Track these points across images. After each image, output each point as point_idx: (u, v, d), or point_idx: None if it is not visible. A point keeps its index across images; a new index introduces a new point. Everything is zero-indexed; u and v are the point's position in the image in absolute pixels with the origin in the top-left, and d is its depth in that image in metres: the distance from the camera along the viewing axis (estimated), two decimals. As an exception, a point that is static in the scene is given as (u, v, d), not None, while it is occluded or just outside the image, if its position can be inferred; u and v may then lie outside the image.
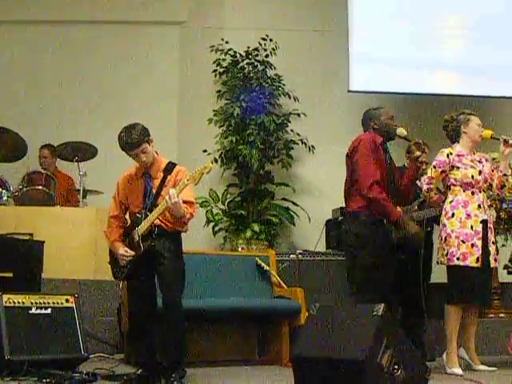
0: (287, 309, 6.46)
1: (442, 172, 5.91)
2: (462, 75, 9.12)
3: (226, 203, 8.72)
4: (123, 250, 5.22)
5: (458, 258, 5.77)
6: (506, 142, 5.89)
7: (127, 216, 5.43)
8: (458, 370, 5.73)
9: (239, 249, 8.15)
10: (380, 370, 4.13)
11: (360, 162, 5.64)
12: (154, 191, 5.23)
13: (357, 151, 5.67)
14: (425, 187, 5.94)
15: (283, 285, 6.75)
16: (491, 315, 7.50)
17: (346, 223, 5.82)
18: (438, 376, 5.25)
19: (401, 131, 5.75)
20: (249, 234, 8.31)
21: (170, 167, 5.31)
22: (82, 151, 8.33)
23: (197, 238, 7.96)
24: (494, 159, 7.38)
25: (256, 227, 8.36)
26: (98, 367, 5.57)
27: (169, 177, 5.24)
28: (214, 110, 8.91)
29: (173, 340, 5.11)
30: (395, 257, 5.87)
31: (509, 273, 7.49)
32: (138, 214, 5.20)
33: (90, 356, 5.72)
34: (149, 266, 5.17)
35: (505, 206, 7.04)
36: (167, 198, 4.96)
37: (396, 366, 4.23)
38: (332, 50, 9.29)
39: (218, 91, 9.08)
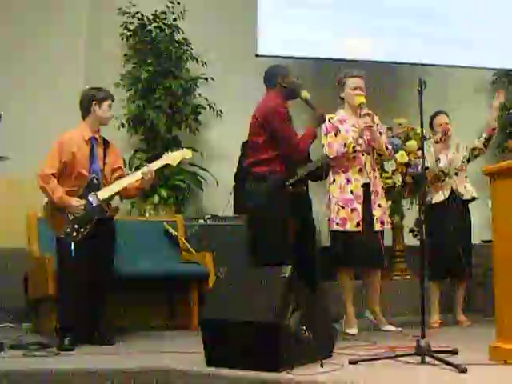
0: (195, 273, 6.49)
1: (335, 134, 5.98)
2: (372, 41, 9.14)
3: (133, 168, 8.63)
4: (76, 201, 5.33)
5: (337, 224, 5.93)
6: (368, 114, 5.90)
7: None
8: (353, 331, 5.91)
9: (147, 214, 8.10)
10: (287, 332, 4.17)
11: (280, 130, 5.49)
12: (98, 160, 5.45)
13: (273, 120, 5.49)
14: (350, 151, 5.92)
15: (191, 250, 6.76)
16: (397, 277, 7.66)
17: (255, 185, 5.53)
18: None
19: (305, 94, 5.63)
20: (156, 199, 8.24)
21: (105, 139, 5.63)
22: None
23: (104, 204, 7.85)
24: (400, 124, 7.49)
25: (163, 192, 8.30)
26: (5, 337, 5.50)
27: (108, 149, 5.54)
28: (121, 74, 8.78)
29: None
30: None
31: (414, 236, 7.64)
32: (95, 180, 5.39)
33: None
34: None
35: (410, 170, 7.17)
36: (144, 171, 5.42)
37: (304, 328, 4.27)
38: (241, 13, 9.22)
39: (125, 55, 8.95)
